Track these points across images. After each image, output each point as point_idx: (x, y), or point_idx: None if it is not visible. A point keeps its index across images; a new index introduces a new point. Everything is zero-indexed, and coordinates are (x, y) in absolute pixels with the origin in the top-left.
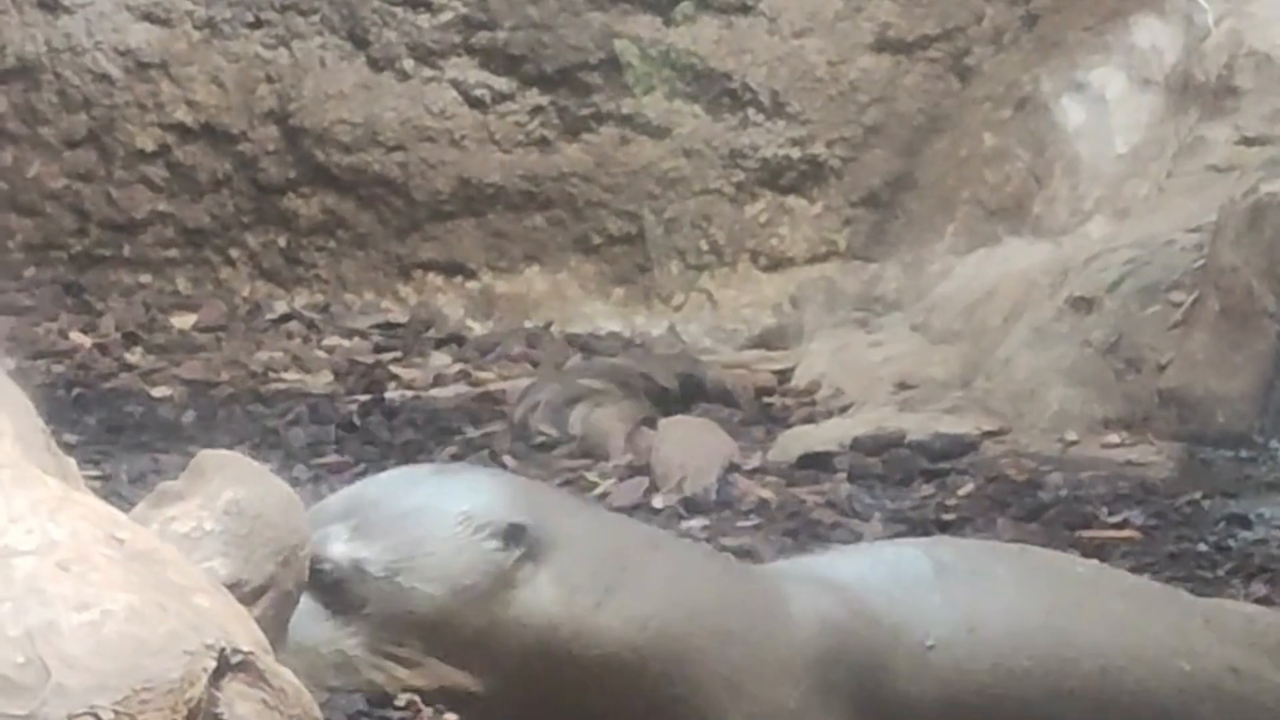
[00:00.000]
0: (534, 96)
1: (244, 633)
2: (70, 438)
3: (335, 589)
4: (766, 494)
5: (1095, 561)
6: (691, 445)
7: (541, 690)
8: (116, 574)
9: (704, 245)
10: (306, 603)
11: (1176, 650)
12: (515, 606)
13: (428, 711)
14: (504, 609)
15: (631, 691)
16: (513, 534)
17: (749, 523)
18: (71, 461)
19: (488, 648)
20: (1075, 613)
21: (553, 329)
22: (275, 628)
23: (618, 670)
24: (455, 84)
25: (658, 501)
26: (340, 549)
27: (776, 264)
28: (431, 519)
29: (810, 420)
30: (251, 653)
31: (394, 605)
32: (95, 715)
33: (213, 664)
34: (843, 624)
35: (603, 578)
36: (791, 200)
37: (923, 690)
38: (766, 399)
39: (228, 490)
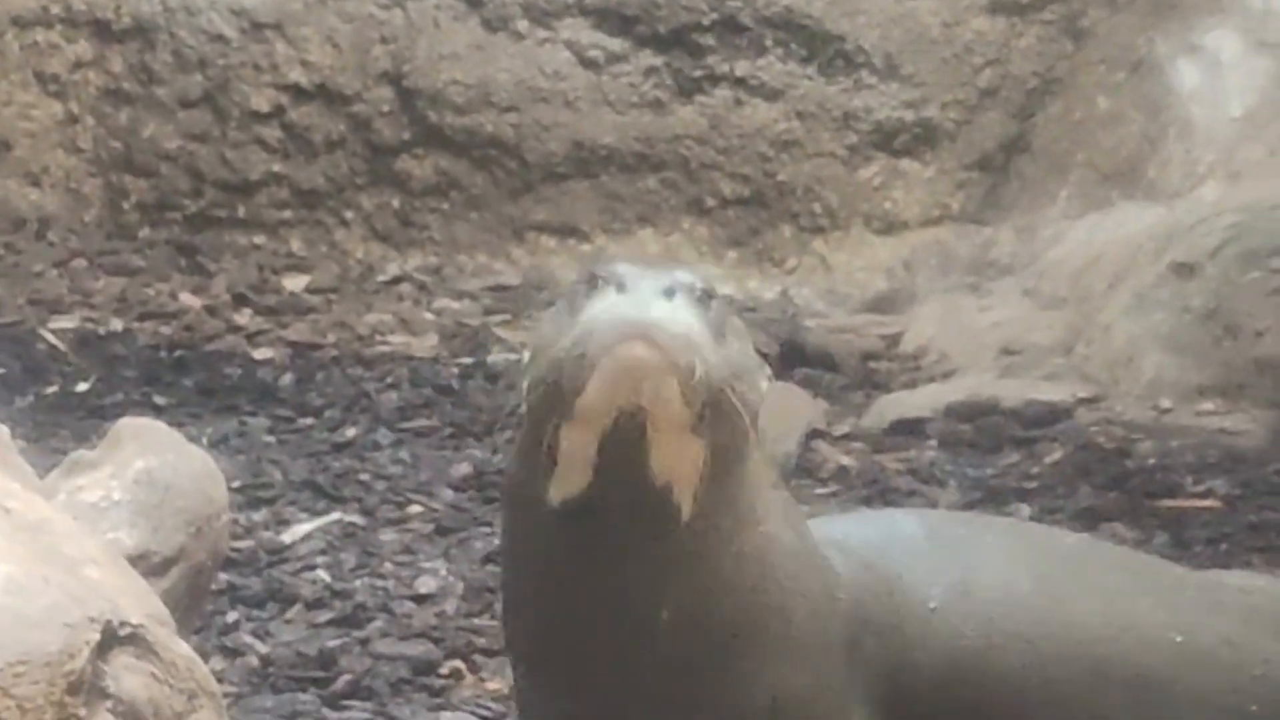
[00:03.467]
0: (648, 57)
1: (136, 605)
2: (161, 399)
3: None
4: (848, 461)
5: (1087, 536)
6: (775, 411)
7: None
8: None
9: (817, 208)
10: None
11: (1168, 622)
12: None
13: (470, 678)
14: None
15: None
16: None
17: (826, 490)
18: (3, 429)
19: None
20: (1065, 581)
21: None
22: (187, 599)
23: (768, 551)
24: (569, 45)
25: None
26: None
27: (889, 227)
28: None
29: (912, 385)
30: (141, 625)
31: None
32: None
33: (96, 637)
34: (867, 586)
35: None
36: (905, 163)
37: (927, 654)
38: (872, 364)
39: (140, 460)
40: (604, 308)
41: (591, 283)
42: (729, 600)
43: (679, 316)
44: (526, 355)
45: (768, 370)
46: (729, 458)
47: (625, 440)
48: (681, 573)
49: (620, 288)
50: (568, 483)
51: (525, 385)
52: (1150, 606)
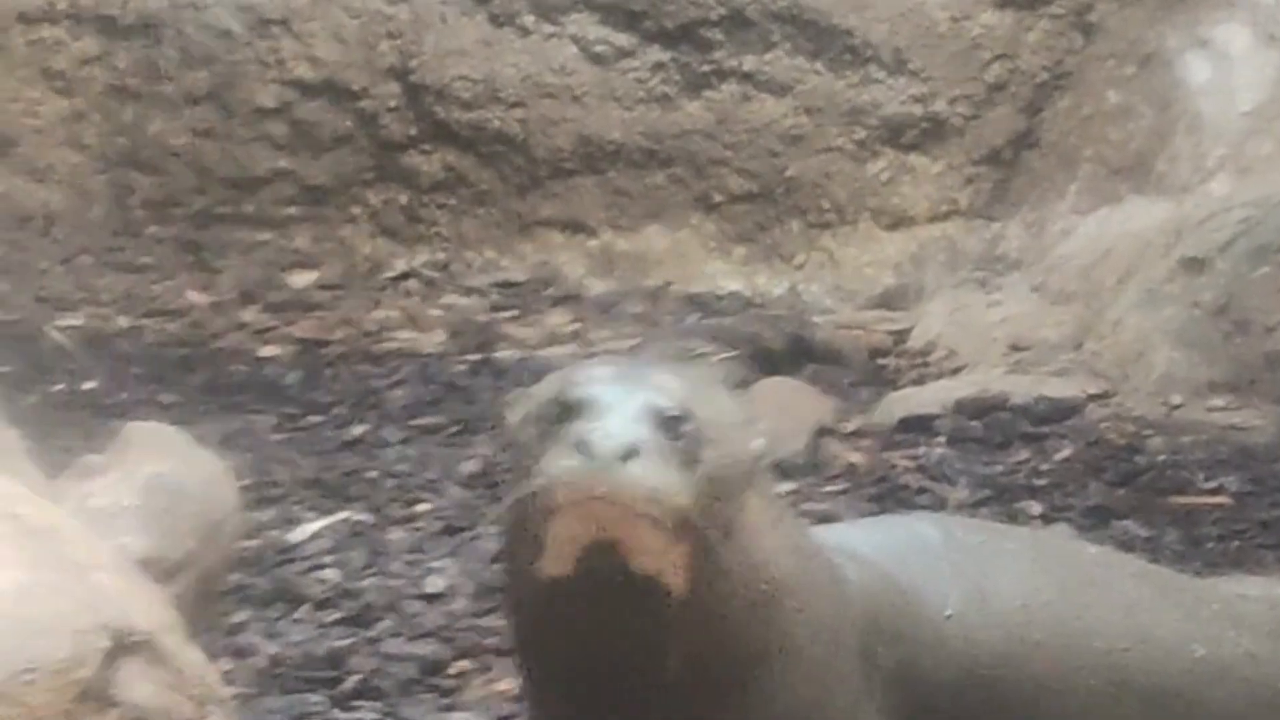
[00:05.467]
0: (655, 53)
1: (146, 612)
2: (166, 398)
3: None
4: (857, 458)
5: (1108, 548)
6: (783, 408)
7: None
8: (7, 551)
9: (825, 204)
10: None
11: (1190, 635)
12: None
13: (479, 678)
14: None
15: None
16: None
17: (835, 487)
18: (10, 433)
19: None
20: (1086, 591)
21: (672, 288)
22: (196, 603)
23: (776, 590)
24: (576, 40)
25: None
26: None
27: (898, 223)
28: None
29: (921, 382)
30: (151, 632)
31: None
32: None
33: (106, 644)
34: (880, 594)
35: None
36: (913, 158)
37: (941, 662)
38: (880, 360)
39: (149, 464)
40: (567, 467)
41: (563, 410)
42: (735, 645)
43: (642, 481)
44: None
45: (759, 432)
46: (719, 538)
47: (602, 553)
48: (684, 634)
49: (581, 445)
50: (555, 566)
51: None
52: (1172, 618)
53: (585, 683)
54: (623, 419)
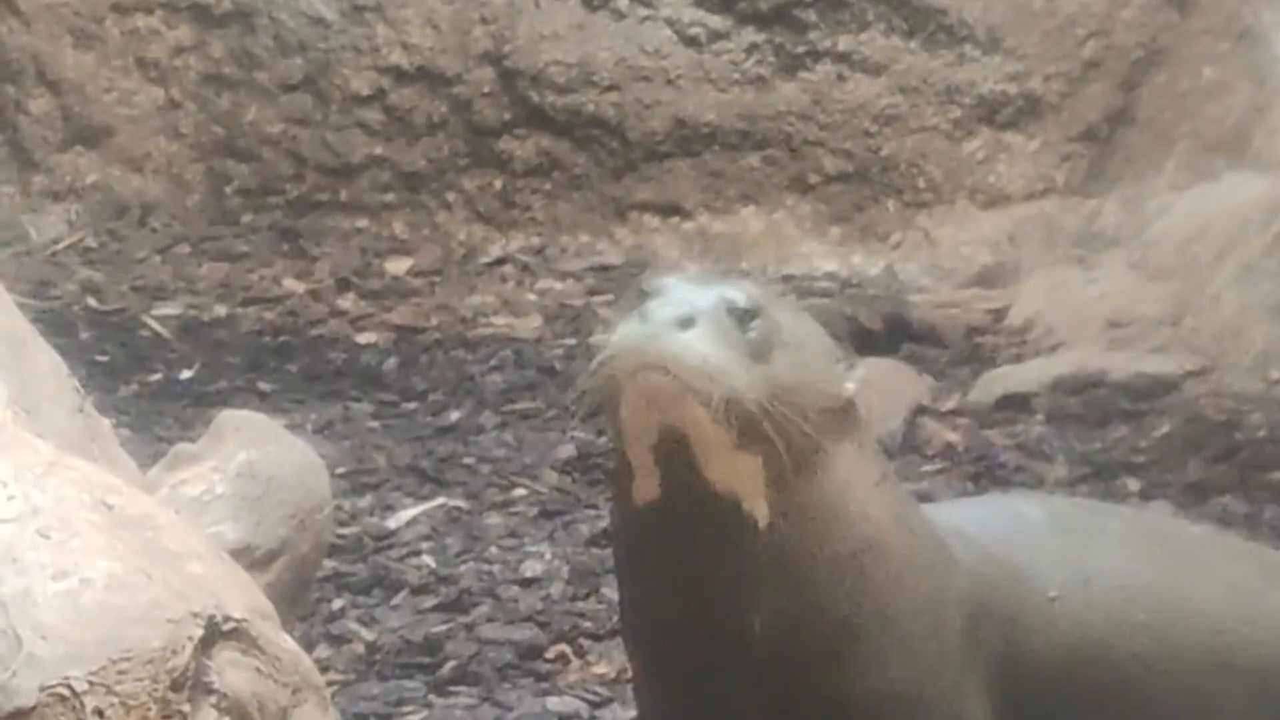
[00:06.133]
0: (750, 34)
1: (240, 599)
2: (265, 386)
3: None
4: (954, 437)
5: (1209, 527)
6: (880, 388)
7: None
8: (100, 541)
9: (921, 183)
10: None
11: None
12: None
13: (576, 662)
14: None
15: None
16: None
17: (933, 467)
18: (105, 423)
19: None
20: (1189, 571)
21: (769, 269)
22: (290, 592)
23: (869, 551)
24: (670, 23)
25: None
26: None
27: (994, 201)
28: None
29: (1018, 360)
30: (245, 620)
31: None
32: (69, 686)
33: (200, 632)
34: (988, 576)
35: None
36: (1009, 136)
37: (1047, 643)
38: (978, 339)
39: (242, 452)
40: (626, 333)
41: (640, 296)
42: (824, 605)
43: (694, 347)
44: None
45: (848, 368)
46: (798, 464)
47: (675, 456)
48: (768, 580)
49: (644, 313)
50: (643, 490)
51: (579, 391)
52: (1274, 598)
53: (676, 656)
54: (690, 297)
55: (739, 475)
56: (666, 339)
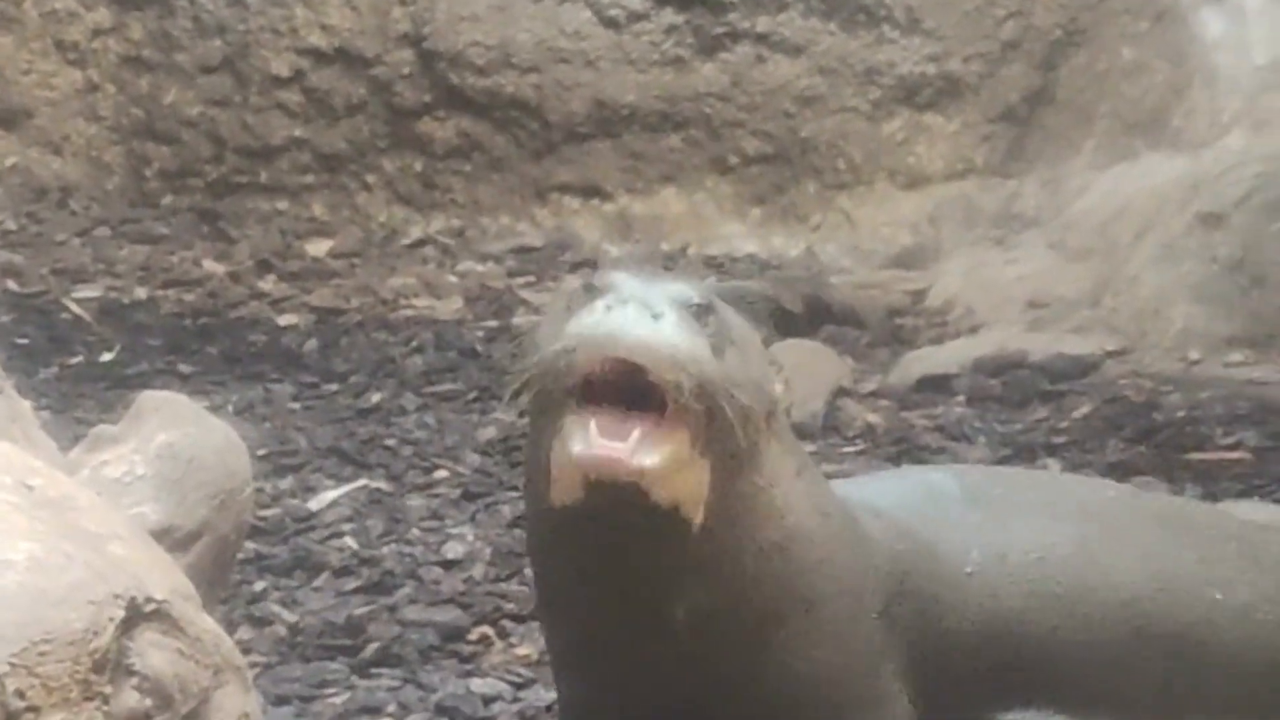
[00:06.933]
0: (669, 15)
1: (161, 581)
2: (186, 368)
3: None
4: (875, 419)
5: (1129, 486)
6: (801, 370)
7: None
8: (20, 522)
9: (841, 164)
10: None
11: (1207, 578)
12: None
13: (499, 644)
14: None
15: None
16: None
17: (854, 448)
18: (25, 405)
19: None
20: (1104, 540)
21: (689, 250)
22: (211, 573)
23: (793, 541)
24: (589, 4)
25: None
26: None
27: (914, 182)
28: None
29: (939, 341)
30: (166, 601)
31: None
32: None
33: (121, 614)
34: (904, 554)
35: (801, 457)
36: (928, 117)
37: (965, 619)
38: (898, 320)
39: (163, 434)
40: (592, 322)
41: (589, 291)
42: (750, 596)
43: (665, 334)
44: (525, 349)
45: (779, 374)
46: (738, 463)
47: (611, 485)
48: (695, 574)
49: (610, 304)
50: (563, 493)
51: (520, 381)
52: (1190, 563)
53: (595, 647)
54: (649, 294)
55: (688, 484)
56: (637, 328)
